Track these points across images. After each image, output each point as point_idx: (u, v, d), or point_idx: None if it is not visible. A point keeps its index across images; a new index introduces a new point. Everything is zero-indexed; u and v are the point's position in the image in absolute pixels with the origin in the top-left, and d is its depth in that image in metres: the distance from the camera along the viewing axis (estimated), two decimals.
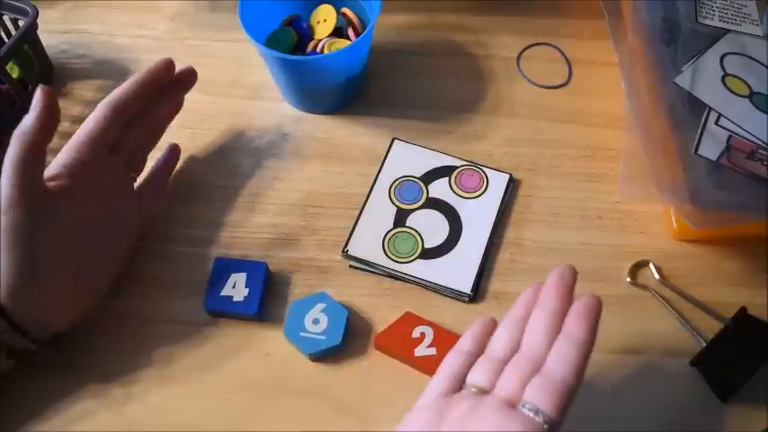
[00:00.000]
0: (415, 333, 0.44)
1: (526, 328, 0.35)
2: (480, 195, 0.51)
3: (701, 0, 0.54)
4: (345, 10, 0.55)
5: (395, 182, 0.52)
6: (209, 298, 0.45)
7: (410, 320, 0.45)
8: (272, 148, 0.54)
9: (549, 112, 0.57)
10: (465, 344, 0.38)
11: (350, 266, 0.49)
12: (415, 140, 0.54)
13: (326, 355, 0.45)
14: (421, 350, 0.43)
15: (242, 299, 0.45)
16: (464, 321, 0.46)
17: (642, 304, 0.47)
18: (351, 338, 0.45)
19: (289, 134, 0.55)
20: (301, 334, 0.44)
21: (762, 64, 0.51)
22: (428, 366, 0.42)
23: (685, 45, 0.51)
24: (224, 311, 0.46)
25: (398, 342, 0.44)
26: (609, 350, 0.45)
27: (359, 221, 0.50)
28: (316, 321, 0.44)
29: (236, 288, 0.46)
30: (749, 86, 0.49)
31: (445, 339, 0.43)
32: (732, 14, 0.53)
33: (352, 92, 0.56)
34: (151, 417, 0.43)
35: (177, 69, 0.50)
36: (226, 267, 0.47)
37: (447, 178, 0.52)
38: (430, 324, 0.44)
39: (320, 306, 0.45)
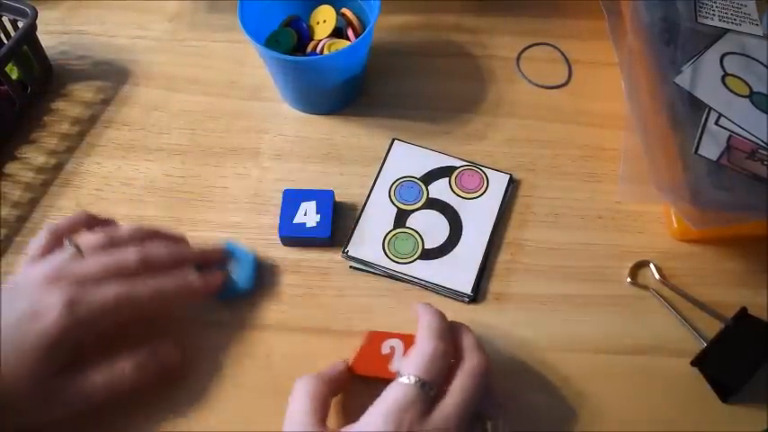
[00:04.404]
0: (385, 349, 0.42)
1: None
2: (480, 196, 0.51)
3: (700, 0, 0.54)
4: (345, 10, 0.55)
5: (395, 182, 0.52)
6: (282, 226, 0.48)
7: (376, 339, 0.43)
8: (271, 149, 0.54)
9: (549, 112, 0.57)
10: None
11: (350, 267, 0.49)
12: (414, 141, 0.54)
13: (241, 298, 0.47)
14: (396, 363, 0.41)
15: (315, 225, 0.48)
16: (464, 322, 0.46)
17: (642, 304, 0.47)
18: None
19: (288, 135, 0.55)
20: None
21: (762, 64, 0.51)
22: None
23: (685, 45, 0.51)
24: (298, 237, 0.48)
25: (373, 363, 0.42)
26: (609, 350, 0.45)
27: (359, 222, 0.50)
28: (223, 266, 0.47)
29: (308, 215, 0.49)
30: (749, 86, 0.49)
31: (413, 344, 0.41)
32: (732, 14, 0.53)
33: (351, 92, 0.56)
34: (150, 417, 0.43)
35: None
36: (294, 197, 0.49)
37: (447, 179, 0.52)
38: (395, 336, 0.43)
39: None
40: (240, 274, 0.46)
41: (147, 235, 0.44)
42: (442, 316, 0.41)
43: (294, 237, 0.48)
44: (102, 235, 0.43)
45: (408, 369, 0.37)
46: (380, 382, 0.38)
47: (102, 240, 0.42)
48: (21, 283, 0.40)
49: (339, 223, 0.50)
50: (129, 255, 0.41)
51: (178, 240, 0.46)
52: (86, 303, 0.38)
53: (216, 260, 0.46)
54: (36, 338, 0.37)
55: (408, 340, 0.42)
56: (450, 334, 0.40)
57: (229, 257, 0.47)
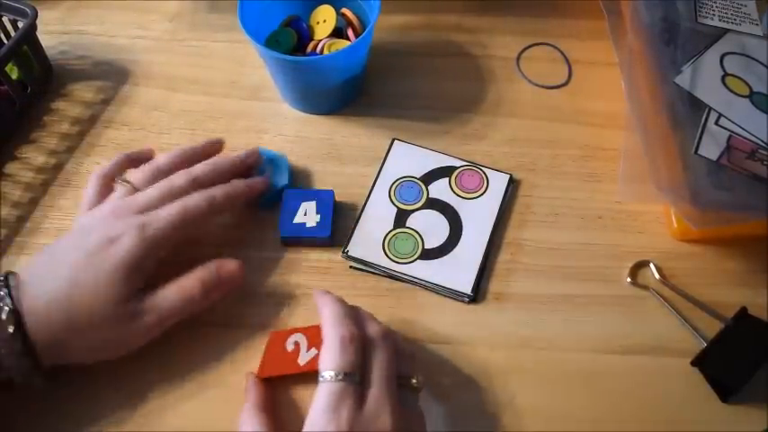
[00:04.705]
0: (289, 346, 0.42)
1: None
2: (480, 196, 0.51)
3: (700, 0, 0.54)
4: (345, 10, 0.55)
5: (395, 182, 0.52)
6: (282, 226, 0.48)
7: (278, 338, 0.43)
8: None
9: (549, 112, 0.57)
10: None
11: (350, 267, 0.49)
12: (414, 141, 0.54)
13: (279, 199, 0.50)
14: (303, 357, 0.42)
15: (315, 224, 0.48)
16: (464, 322, 0.46)
17: (642, 304, 0.47)
18: None
19: (288, 135, 0.55)
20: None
21: (762, 64, 0.51)
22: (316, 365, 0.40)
23: (685, 45, 0.51)
24: (298, 237, 0.49)
25: (281, 363, 0.42)
26: (609, 350, 0.45)
27: (359, 222, 0.50)
28: (262, 172, 0.50)
29: (308, 215, 0.49)
30: (749, 86, 0.49)
31: (318, 335, 0.41)
32: (732, 14, 0.53)
33: (351, 92, 0.56)
34: (153, 418, 0.43)
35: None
36: (294, 197, 0.50)
37: (447, 179, 0.52)
38: (297, 330, 0.43)
39: (262, 159, 0.51)
40: (276, 175, 0.50)
41: (188, 156, 0.48)
42: (339, 300, 0.41)
43: (294, 237, 0.48)
44: (147, 168, 0.46)
45: (325, 365, 0.37)
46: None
47: (150, 173, 0.46)
48: (87, 222, 0.43)
49: (339, 223, 0.50)
50: (178, 178, 0.45)
51: (215, 148, 0.50)
52: (154, 223, 0.41)
53: (254, 164, 0.50)
54: (114, 262, 0.39)
55: (311, 332, 0.42)
56: (352, 312, 0.41)
57: (264, 162, 0.51)
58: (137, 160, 0.47)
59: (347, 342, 0.38)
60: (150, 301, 0.41)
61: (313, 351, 0.42)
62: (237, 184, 0.47)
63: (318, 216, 0.49)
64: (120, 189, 0.45)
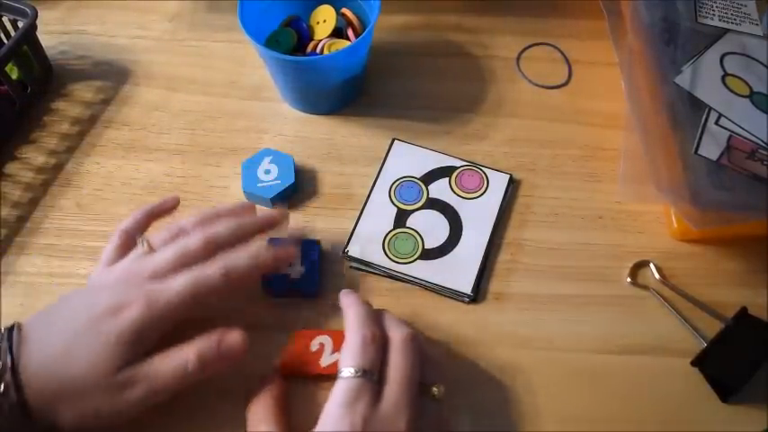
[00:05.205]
0: (314, 346, 0.43)
1: None
2: (480, 196, 0.51)
3: (700, 0, 0.54)
4: (345, 10, 0.55)
5: (395, 182, 0.52)
6: (264, 278, 0.46)
7: (304, 337, 0.43)
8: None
9: (549, 112, 0.57)
10: None
11: (350, 267, 0.49)
12: (415, 141, 0.54)
13: (285, 197, 0.50)
14: (326, 359, 0.42)
15: (299, 277, 0.46)
16: (464, 322, 0.46)
17: (642, 304, 0.47)
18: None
19: (288, 135, 0.55)
20: (259, 185, 0.50)
21: (762, 64, 0.51)
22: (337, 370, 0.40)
23: (685, 45, 0.51)
24: (282, 290, 0.46)
25: (303, 361, 0.42)
26: (609, 350, 0.45)
27: (359, 222, 0.50)
28: (267, 171, 0.51)
29: (293, 266, 0.46)
30: (749, 86, 0.49)
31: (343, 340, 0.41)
32: (732, 14, 0.53)
33: (351, 92, 0.56)
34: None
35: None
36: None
37: (447, 179, 0.52)
38: (323, 332, 0.43)
39: (267, 159, 0.51)
40: (282, 174, 0.51)
41: (215, 219, 0.44)
42: (364, 302, 0.41)
43: (278, 289, 0.46)
44: (168, 229, 0.43)
45: (345, 363, 0.37)
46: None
47: (171, 234, 0.43)
48: (102, 282, 0.41)
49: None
50: (193, 240, 0.42)
51: (246, 212, 0.45)
52: (164, 296, 0.39)
53: (284, 225, 0.46)
54: (116, 333, 0.37)
55: (336, 336, 0.42)
56: (376, 316, 0.41)
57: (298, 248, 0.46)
58: (158, 214, 0.46)
59: (368, 341, 0.38)
60: (143, 372, 0.37)
61: (336, 355, 0.42)
62: (262, 255, 0.42)
63: (303, 269, 0.46)
64: (137, 249, 0.42)
